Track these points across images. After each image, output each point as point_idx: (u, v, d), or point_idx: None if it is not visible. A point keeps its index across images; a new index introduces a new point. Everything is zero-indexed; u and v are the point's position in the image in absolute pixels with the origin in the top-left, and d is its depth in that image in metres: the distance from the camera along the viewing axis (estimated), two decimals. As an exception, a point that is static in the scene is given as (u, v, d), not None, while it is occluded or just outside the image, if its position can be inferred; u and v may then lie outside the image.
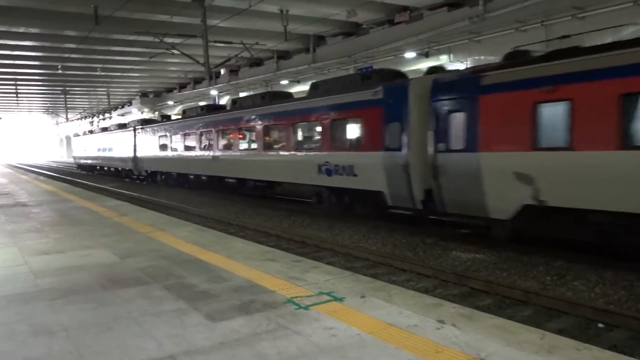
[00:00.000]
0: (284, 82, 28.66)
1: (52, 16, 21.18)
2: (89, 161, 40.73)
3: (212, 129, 19.68)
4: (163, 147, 24.59)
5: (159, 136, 25.01)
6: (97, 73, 34.68)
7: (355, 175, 12.15)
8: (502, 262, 8.68)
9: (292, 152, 14.94)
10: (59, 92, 44.96)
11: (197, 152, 20.96)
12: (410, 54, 20.47)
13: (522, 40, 17.37)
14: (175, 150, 23.18)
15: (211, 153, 19.64)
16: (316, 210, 15.12)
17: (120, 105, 59.02)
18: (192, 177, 22.89)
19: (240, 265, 6.33)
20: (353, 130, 13.17)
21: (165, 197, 20.93)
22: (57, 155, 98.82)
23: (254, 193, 19.91)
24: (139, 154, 27.84)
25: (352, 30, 25.48)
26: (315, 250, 10.35)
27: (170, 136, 23.53)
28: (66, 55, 27.83)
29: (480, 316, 4.42)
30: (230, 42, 20.70)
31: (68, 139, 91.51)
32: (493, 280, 7.55)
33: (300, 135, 15.39)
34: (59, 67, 30.49)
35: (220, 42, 19.93)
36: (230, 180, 19.63)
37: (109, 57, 30.24)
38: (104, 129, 37.03)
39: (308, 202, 16.62)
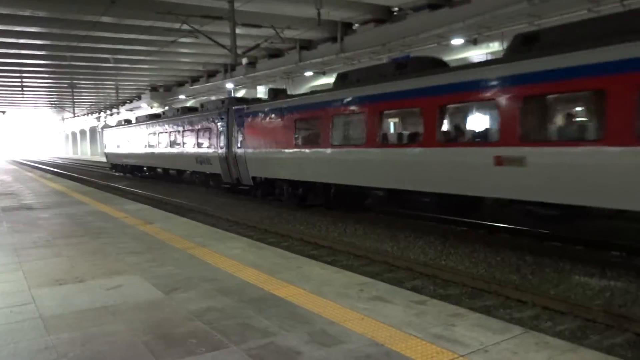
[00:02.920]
0: (308, 73, 26.69)
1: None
2: (132, 160, 30.58)
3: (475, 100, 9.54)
4: (305, 139, 14.23)
5: (295, 120, 14.28)
6: (107, 65, 32.74)
7: None
8: (651, 291, 6.70)
9: None
10: (66, 85, 43.06)
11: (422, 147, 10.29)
12: (457, 41, 18.45)
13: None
14: (351, 143, 12.43)
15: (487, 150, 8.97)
16: (366, 216, 13.13)
17: (128, 100, 57.20)
18: (381, 193, 12.28)
19: (342, 309, 4.37)
20: None
21: (185, 198, 19.04)
22: (63, 151, 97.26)
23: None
24: (240, 151, 17.22)
25: (384, 16, 23.46)
26: (388, 269, 8.38)
27: (329, 119, 12.85)
28: (74, 44, 25.90)
29: None
30: (259, 26, 18.71)
31: (74, 135, 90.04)
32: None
33: None
34: (68, 57, 28.57)
35: (248, 25, 17.96)
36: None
37: (119, 47, 28.26)
38: (156, 116, 28.11)
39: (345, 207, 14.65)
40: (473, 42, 18.57)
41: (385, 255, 8.95)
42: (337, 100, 12.71)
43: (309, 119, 14.00)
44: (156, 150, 25.93)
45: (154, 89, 48.21)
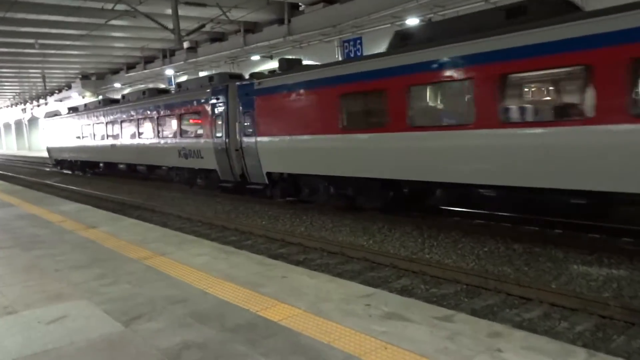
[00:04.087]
0: (255, 57, 25.40)
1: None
2: (83, 155, 25.50)
3: None
4: (358, 120, 10.66)
5: (341, 95, 10.59)
6: (32, 51, 29.87)
7: None
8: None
9: None
10: (-15, 74, 39.42)
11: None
12: (412, 21, 17.84)
13: None
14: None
15: None
16: (330, 208, 12.25)
17: (57, 89, 53.33)
18: (493, 193, 8.64)
19: (356, 335, 3.52)
20: None
21: (127, 193, 17.54)
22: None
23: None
24: (248, 140, 13.34)
25: (333, -4, 22.56)
26: (369, 267, 7.61)
27: (403, 92, 9.34)
28: (-8, 27, 23.27)
29: None
30: (204, 4, 17.27)
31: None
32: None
33: None
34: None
35: (192, 3, 16.51)
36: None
37: (44, 30, 25.66)
38: (113, 102, 23.54)
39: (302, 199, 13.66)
40: (428, 22, 18.03)
41: (362, 251, 8.17)
42: (417, 64, 9.04)
43: (366, 92, 10.18)
44: (118, 142, 21.22)
45: (85, 77, 45.00)
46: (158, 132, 18.15)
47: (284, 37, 23.80)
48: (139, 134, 19.56)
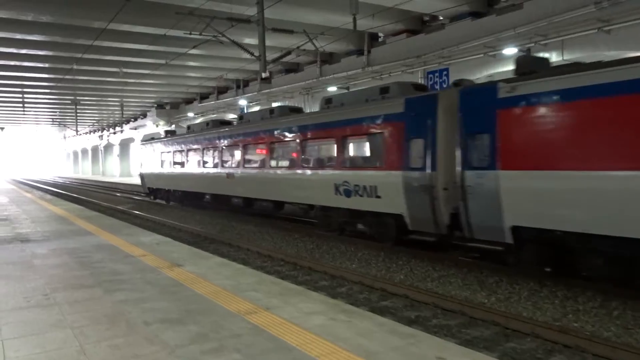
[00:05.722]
0: (332, 88, 24.76)
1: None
2: (186, 184, 21.90)
3: None
4: None
5: None
6: (112, 79, 30.83)
7: None
8: None
9: None
10: (69, 102, 41.21)
11: None
12: (510, 51, 16.50)
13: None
14: None
15: None
16: (424, 252, 10.84)
17: (132, 118, 55.39)
18: None
19: None
20: None
21: (198, 223, 16.93)
22: (64, 170, 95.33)
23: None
24: (475, 175, 8.89)
25: (416, 27, 21.67)
26: (504, 334, 6.18)
27: None
28: (79, 55, 23.99)
29: None
30: (291, 31, 16.77)
31: (76, 153, 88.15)
32: None
33: None
34: (72, 70, 26.64)
35: (278, 30, 16.02)
36: None
37: (126, 59, 26.30)
38: (225, 123, 20.80)
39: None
40: (527, 52, 16.65)
41: (488, 312, 6.77)
42: None
43: None
44: (238, 171, 17.28)
45: (160, 106, 46.34)
46: (301, 159, 14.01)
47: (362, 68, 23.07)
48: (270, 161, 15.56)
